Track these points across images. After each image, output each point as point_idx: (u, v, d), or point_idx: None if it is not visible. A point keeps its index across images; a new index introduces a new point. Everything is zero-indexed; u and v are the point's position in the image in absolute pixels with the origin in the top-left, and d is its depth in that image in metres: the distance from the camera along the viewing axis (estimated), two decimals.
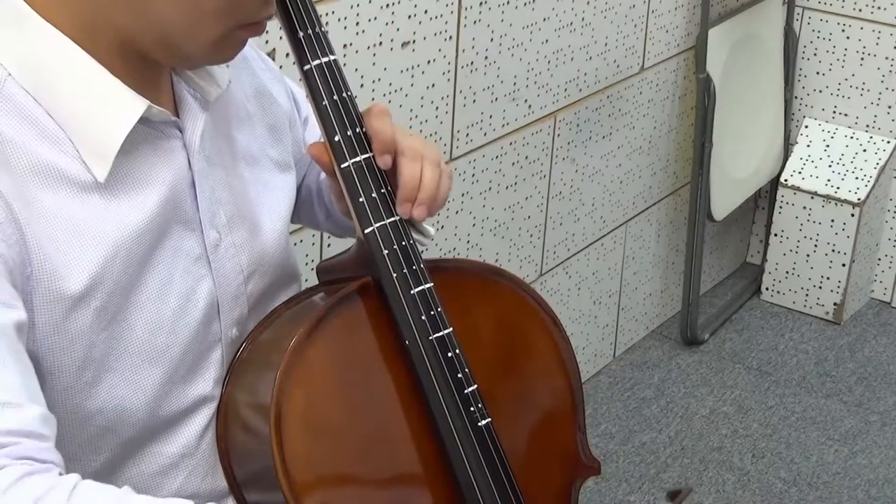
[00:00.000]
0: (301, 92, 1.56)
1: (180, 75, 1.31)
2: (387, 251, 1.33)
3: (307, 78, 1.34)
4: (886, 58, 3.56)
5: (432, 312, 1.33)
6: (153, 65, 1.24)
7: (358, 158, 1.34)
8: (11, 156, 1.16)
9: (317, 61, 1.33)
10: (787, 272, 3.70)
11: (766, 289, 3.74)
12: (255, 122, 1.42)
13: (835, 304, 3.64)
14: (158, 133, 1.26)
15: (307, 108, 1.58)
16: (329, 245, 2.35)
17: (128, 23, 1.18)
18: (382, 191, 1.34)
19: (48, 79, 1.19)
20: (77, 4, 1.18)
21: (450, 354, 1.33)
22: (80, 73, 1.19)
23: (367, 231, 1.33)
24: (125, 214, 1.22)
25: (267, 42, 2.07)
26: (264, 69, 1.48)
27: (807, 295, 3.68)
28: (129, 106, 1.21)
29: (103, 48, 1.20)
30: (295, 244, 2.23)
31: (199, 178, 1.30)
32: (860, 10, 3.54)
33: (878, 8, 3.52)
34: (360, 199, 1.33)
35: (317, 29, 1.34)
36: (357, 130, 1.34)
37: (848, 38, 3.59)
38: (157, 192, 1.25)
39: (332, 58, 1.34)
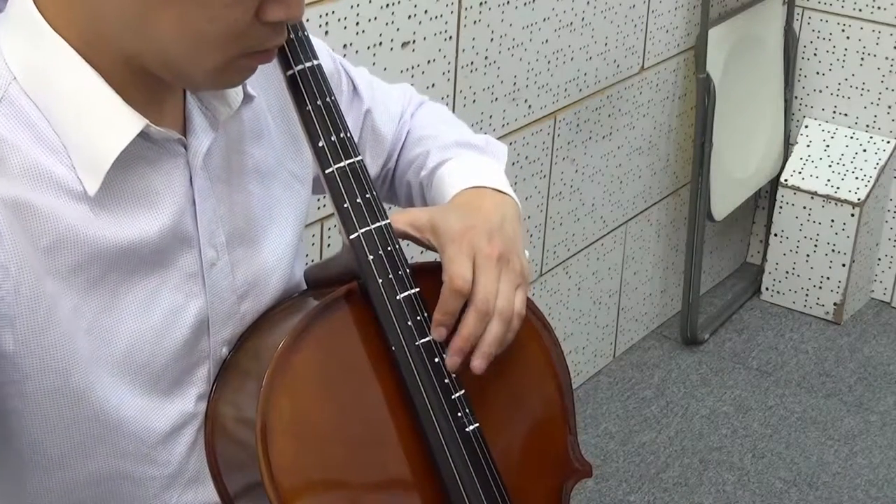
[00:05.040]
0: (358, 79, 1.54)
1: (193, 92, 1.29)
2: (372, 257, 1.32)
3: (290, 83, 1.33)
4: (886, 58, 3.55)
5: (418, 318, 1.32)
6: (160, 82, 1.22)
7: (342, 164, 1.33)
8: (6, 155, 1.16)
9: (300, 66, 1.33)
10: (787, 272, 3.69)
11: (766, 289, 3.74)
12: (276, 135, 1.40)
13: (835, 304, 3.64)
14: (160, 149, 1.25)
15: (368, 97, 1.55)
16: (329, 245, 2.35)
17: (131, 44, 1.17)
18: (367, 196, 1.33)
19: (51, 88, 1.18)
20: (84, 20, 1.17)
21: (436, 360, 1.32)
22: (82, 86, 1.19)
23: (352, 236, 1.32)
24: (113, 227, 1.21)
25: None
26: None
27: (807, 295, 3.68)
28: (125, 124, 1.20)
29: (109, 64, 1.19)
30: None
31: (199, 196, 1.28)
32: (860, 10, 3.54)
33: (878, 8, 3.52)
34: (345, 205, 1.33)
35: (300, 33, 1.33)
36: (341, 136, 1.34)
37: (848, 38, 3.58)
38: (150, 209, 1.24)
39: (315, 62, 1.34)
